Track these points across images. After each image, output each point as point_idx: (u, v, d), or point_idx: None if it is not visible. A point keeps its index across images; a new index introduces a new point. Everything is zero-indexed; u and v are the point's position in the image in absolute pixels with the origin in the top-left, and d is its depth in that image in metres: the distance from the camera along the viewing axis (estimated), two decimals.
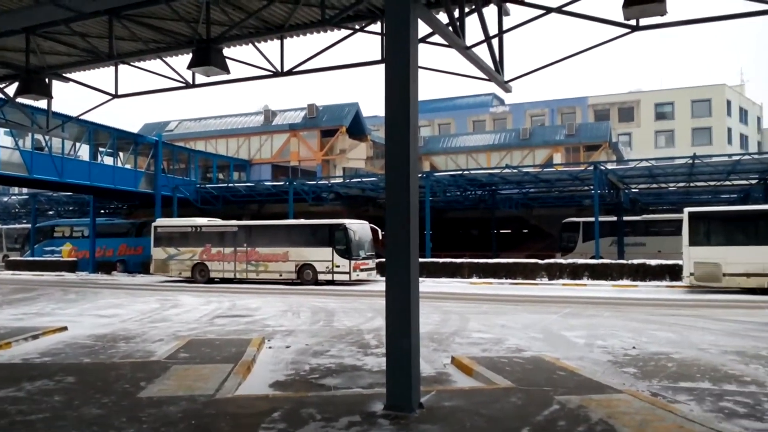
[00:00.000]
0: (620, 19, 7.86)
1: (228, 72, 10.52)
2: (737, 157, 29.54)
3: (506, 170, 31.40)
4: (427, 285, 25.09)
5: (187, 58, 10.84)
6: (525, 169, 32.58)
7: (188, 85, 11.77)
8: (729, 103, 58.74)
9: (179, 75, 11.74)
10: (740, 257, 20.54)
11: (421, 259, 28.57)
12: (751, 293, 20.26)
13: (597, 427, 5.71)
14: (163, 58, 11.65)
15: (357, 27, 9.88)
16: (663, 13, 7.11)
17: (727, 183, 33.64)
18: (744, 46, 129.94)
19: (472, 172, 34.13)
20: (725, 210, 24.97)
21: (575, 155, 44.40)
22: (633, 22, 7.69)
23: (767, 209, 23.42)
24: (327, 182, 35.69)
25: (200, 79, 11.47)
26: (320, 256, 26.24)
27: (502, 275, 27.12)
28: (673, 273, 23.98)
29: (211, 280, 28.24)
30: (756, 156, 30.52)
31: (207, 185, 38.45)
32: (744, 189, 35.37)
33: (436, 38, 8.76)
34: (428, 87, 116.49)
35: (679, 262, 22.37)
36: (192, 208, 35.76)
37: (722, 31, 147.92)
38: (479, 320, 14.09)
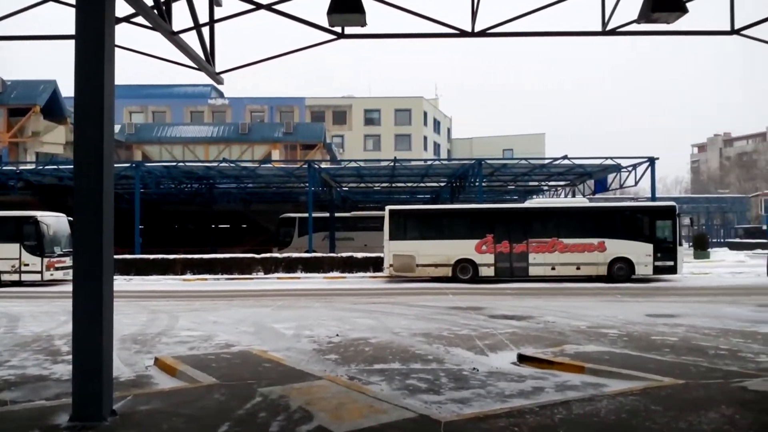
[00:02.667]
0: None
1: None
2: (430, 162, 33.47)
3: (224, 164, 31.03)
4: (135, 283, 23.57)
5: None
6: (243, 164, 32.55)
7: None
8: (426, 114, 66.24)
9: None
10: (430, 250, 23.27)
11: (129, 256, 26.88)
12: (439, 281, 23.10)
13: (296, 414, 5.91)
14: None
15: None
16: (363, 24, 7.65)
17: (422, 185, 37.88)
18: (439, 63, 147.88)
19: (188, 164, 33.00)
20: (419, 208, 28.10)
21: (293, 153, 45.74)
22: (339, 30, 8.15)
23: (452, 208, 27.02)
24: (15, 168, 31.17)
25: None
26: (4, 253, 22.79)
27: (219, 271, 26.69)
28: (377, 265, 26.15)
29: None
30: (445, 162, 35.00)
31: None
32: (435, 190, 40.21)
33: (142, 20, 8.18)
34: (144, 72, 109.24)
35: (382, 254, 24.48)
36: None
37: (423, 49, 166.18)
38: (190, 318, 13.63)
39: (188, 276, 26.28)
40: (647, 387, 6.84)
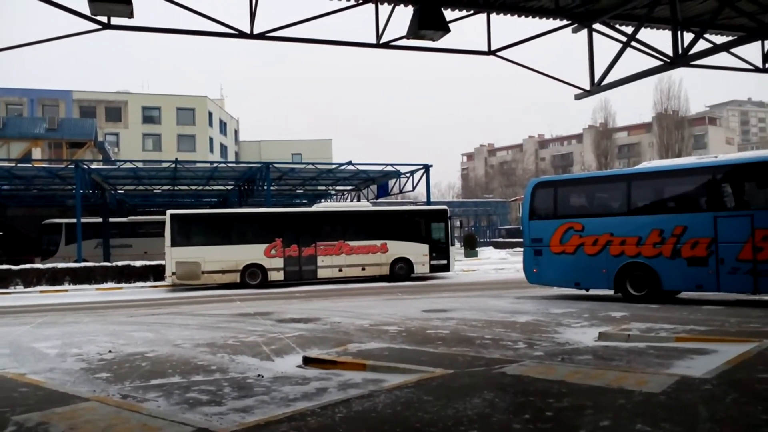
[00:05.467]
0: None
1: None
2: (216, 165, 32.45)
3: None
4: None
5: None
6: None
7: None
8: (211, 114, 64.02)
9: None
10: (217, 256, 22.55)
11: None
12: (227, 288, 22.47)
13: None
14: None
15: None
16: (130, 15, 7.13)
17: (209, 188, 36.57)
18: (225, 63, 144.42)
19: None
20: (204, 212, 27.10)
21: (57, 151, 41.29)
22: (105, 19, 7.49)
23: (239, 212, 26.48)
24: None
25: None
26: None
27: None
28: (158, 273, 24.67)
29: None
30: (232, 164, 34.18)
31: None
32: (223, 194, 39.06)
33: None
34: None
35: (163, 262, 23.15)
36: None
37: (207, 47, 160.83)
38: None
39: None
40: (421, 379, 7.30)
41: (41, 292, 22.98)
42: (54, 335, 12.11)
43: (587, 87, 11.37)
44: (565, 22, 10.71)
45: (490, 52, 10.41)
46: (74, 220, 28.20)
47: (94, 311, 16.55)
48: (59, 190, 33.65)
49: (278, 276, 23.23)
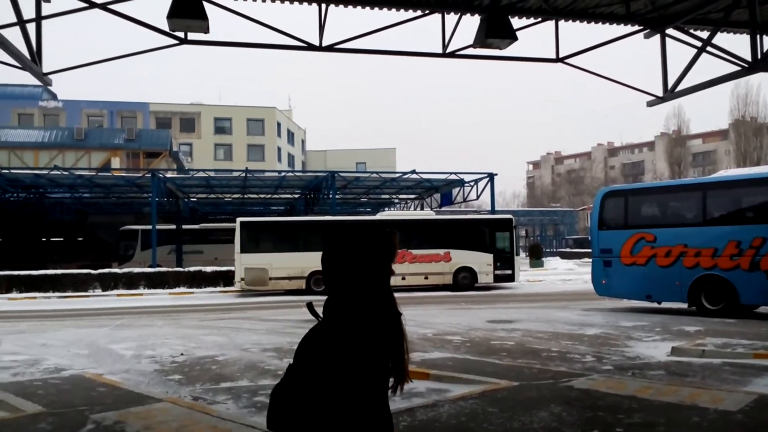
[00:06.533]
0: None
1: None
2: (283, 174, 33.18)
3: (56, 172, 28.56)
4: None
5: None
6: (79, 172, 30.21)
7: None
8: (279, 125, 65.56)
9: None
10: (284, 263, 22.98)
11: None
12: (293, 294, 22.85)
13: None
14: None
15: None
16: (206, 30, 7.43)
17: (276, 196, 37.39)
18: (292, 75, 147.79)
19: (14, 171, 30.00)
20: (272, 220, 27.72)
21: (135, 161, 43.17)
22: (181, 35, 7.84)
23: (305, 220, 26.91)
24: None
25: None
26: None
27: (49, 288, 24.42)
28: (227, 279, 25.34)
29: None
30: (299, 174, 34.87)
31: None
32: (289, 202, 39.86)
33: None
34: None
35: (233, 268, 23.76)
36: None
37: (275, 59, 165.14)
38: (14, 341, 12.34)
39: (15, 295, 23.81)
40: (485, 390, 7.23)
41: (118, 295, 24.03)
42: (130, 337, 12.63)
43: (660, 93, 11.02)
44: (636, 27, 10.44)
45: (558, 60, 10.25)
46: (150, 227, 29.36)
47: (167, 315, 17.17)
48: (136, 198, 35.16)
49: None
